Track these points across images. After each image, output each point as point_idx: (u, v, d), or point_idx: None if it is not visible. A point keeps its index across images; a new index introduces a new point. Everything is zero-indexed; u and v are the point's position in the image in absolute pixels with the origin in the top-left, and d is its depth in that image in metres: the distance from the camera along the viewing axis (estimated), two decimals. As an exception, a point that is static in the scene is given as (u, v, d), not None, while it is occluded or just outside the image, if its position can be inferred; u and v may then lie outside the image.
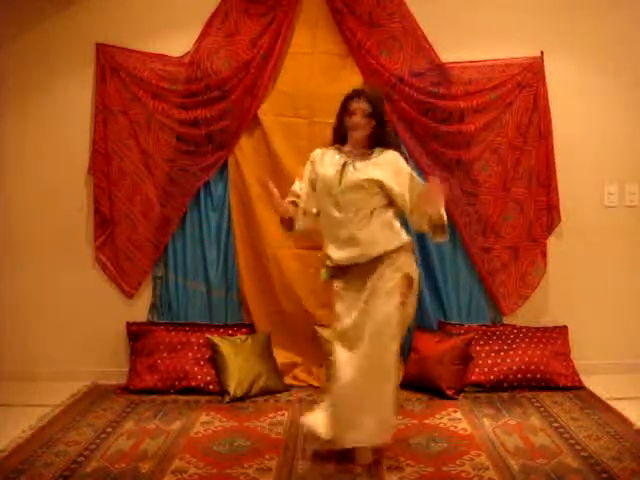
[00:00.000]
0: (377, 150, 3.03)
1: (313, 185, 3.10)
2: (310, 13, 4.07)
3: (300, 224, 3.09)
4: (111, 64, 4.09)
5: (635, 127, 4.19)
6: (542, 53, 4.08)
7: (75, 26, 4.13)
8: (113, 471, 2.90)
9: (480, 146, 4.10)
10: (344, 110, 3.04)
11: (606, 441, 3.13)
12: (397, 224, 3.02)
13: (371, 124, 3.01)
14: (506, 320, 4.19)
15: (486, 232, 4.15)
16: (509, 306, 4.19)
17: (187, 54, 4.08)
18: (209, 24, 4.07)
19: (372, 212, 2.95)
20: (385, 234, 2.96)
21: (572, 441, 3.14)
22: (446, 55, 4.05)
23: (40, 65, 4.16)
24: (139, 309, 4.22)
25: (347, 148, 3.06)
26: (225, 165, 4.14)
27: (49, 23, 4.13)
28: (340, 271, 3.01)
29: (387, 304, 2.89)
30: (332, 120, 4.04)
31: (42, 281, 4.25)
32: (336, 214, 2.97)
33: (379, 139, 3.04)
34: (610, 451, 3.01)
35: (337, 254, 2.98)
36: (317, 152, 3.15)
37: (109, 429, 3.39)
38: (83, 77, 4.13)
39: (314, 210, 3.09)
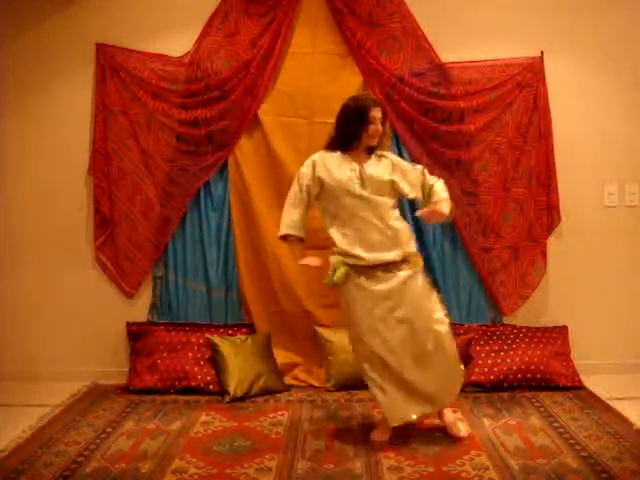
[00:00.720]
0: (378, 152, 3.23)
1: (309, 190, 3.19)
2: (310, 13, 4.07)
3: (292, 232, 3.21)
4: (111, 64, 4.09)
5: (635, 127, 4.19)
6: (542, 53, 4.08)
7: (75, 26, 4.13)
8: (113, 471, 2.91)
9: (480, 146, 4.10)
10: (364, 119, 3.11)
11: (606, 441, 3.13)
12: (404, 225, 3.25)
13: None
14: (506, 320, 4.19)
15: (486, 232, 4.15)
16: (509, 306, 4.19)
17: (187, 54, 4.08)
18: (209, 24, 4.07)
19: (394, 211, 3.17)
20: (408, 232, 3.21)
21: (572, 441, 3.14)
22: (446, 55, 4.06)
23: (40, 65, 4.16)
24: (139, 309, 4.23)
25: (352, 153, 3.18)
26: (225, 165, 4.14)
27: (49, 23, 4.13)
28: (361, 272, 3.11)
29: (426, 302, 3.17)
30: (332, 120, 4.05)
31: (42, 281, 4.25)
32: (365, 215, 3.11)
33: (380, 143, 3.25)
34: (610, 451, 3.01)
35: (370, 255, 3.09)
36: (316, 157, 3.22)
37: (109, 429, 3.39)
38: (83, 77, 4.13)
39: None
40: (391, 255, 3.10)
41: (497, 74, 4.07)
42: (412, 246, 3.20)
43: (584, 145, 4.18)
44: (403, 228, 3.19)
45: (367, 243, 3.10)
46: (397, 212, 3.21)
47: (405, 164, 3.29)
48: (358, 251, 3.09)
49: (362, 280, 3.11)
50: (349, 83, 4.08)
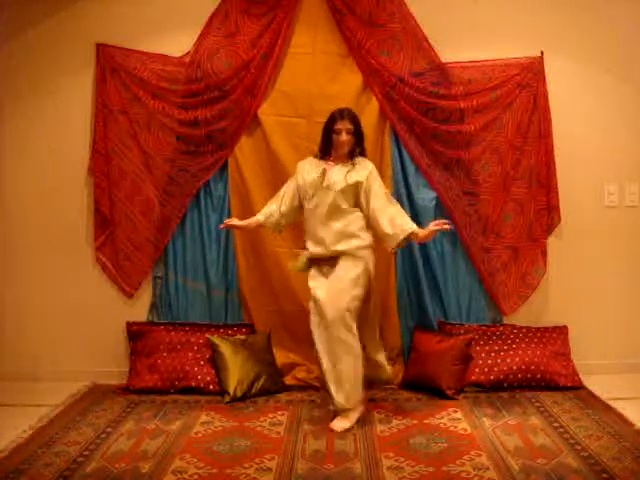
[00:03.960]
0: (356, 159, 3.56)
1: (294, 191, 3.62)
2: (310, 13, 4.07)
3: (268, 222, 3.66)
4: (111, 64, 4.09)
5: (635, 127, 4.19)
6: (542, 53, 4.08)
7: (75, 26, 4.13)
8: (113, 471, 2.91)
9: (480, 146, 4.10)
10: (330, 130, 3.54)
11: (606, 441, 3.13)
12: (364, 224, 3.52)
13: (352, 141, 3.54)
14: (506, 320, 4.19)
15: (486, 232, 4.15)
16: (509, 306, 4.19)
17: (187, 54, 4.08)
18: (209, 24, 4.07)
19: (347, 211, 3.48)
20: (353, 233, 3.47)
21: (572, 441, 3.14)
22: (446, 55, 4.05)
23: (40, 65, 4.16)
24: (139, 309, 4.23)
25: (329, 159, 3.59)
26: (225, 165, 4.14)
27: (49, 23, 4.13)
28: (314, 262, 3.54)
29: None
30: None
31: (42, 281, 4.25)
32: (316, 212, 3.50)
33: (358, 152, 3.58)
34: (610, 451, 3.01)
35: (315, 249, 3.51)
36: (300, 163, 3.68)
37: (109, 429, 3.39)
38: (83, 77, 4.13)
39: (285, 207, 3.63)
40: (340, 248, 3.46)
41: (497, 74, 4.06)
42: (359, 241, 3.47)
43: (584, 145, 4.18)
44: (347, 230, 3.47)
45: (316, 238, 3.50)
46: (355, 216, 3.49)
47: (374, 184, 3.49)
48: (309, 245, 3.54)
49: (313, 269, 3.55)
50: (349, 83, 4.08)
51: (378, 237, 3.52)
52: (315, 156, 3.65)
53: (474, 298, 4.20)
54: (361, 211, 3.51)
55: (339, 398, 3.36)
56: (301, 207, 3.62)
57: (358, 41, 4.03)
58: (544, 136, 4.09)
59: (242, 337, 4.03)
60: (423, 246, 4.07)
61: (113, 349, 4.21)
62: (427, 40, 4.04)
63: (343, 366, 3.34)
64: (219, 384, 3.88)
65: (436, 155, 4.10)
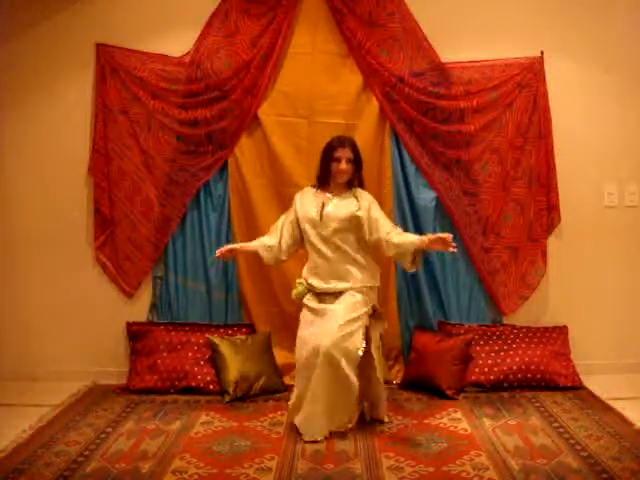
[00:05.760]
0: (354, 190, 3.46)
1: (293, 224, 3.49)
2: (310, 13, 4.06)
3: (266, 256, 3.52)
4: (111, 64, 4.09)
5: (635, 127, 4.19)
6: (542, 53, 4.08)
7: (75, 26, 4.13)
8: (113, 471, 2.91)
9: (480, 146, 4.10)
10: (330, 157, 3.42)
11: (606, 441, 3.13)
12: (368, 261, 3.42)
13: (352, 169, 3.43)
14: (506, 320, 4.19)
15: (486, 232, 4.15)
16: (509, 306, 4.19)
17: (187, 54, 4.08)
18: (209, 24, 4.07)
19: (349, 248, 3.37)
20: (358, 270, 3.36)
21: (572, 441, 3.14)
22: (446, 55, 4.05)
23: (40, 65, 4.16)
24: (139, 309, 4.23)
25: (328, 188, 3.47)
26: (225, 165, 4.14)
27: (49, 23, 4.13)
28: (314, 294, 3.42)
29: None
30: (332, 120, 4.09)
31: (42, 281, 4.25)
32: (321, 248, 3.38)
33: (357, 181, 3.48)
34: (610, 451, 3.01)
35: (319, 285, 3.39)
36: (298, 195, 3.55)
37: (109, 429, 3.39)
38: (83, 77, 4.13)
39: (285, 244, 3.49)
40: (340, 286, 3.35)
41: (497, 74, 4.06)
42: (368, 281, 3.37)
43: (584, 145, 4.18)
44: (361, 265, 3.37)
45: (320, 274, 3.38)
46: (359, 247, 3.39)
47: (376, 212, 3.40)
48: (312, 280, 3.41)
49: (312, 300, 3.40)
50: (349, 83, 4.08)
51: (392, 259, 3.51)
52: (313, 186, 3.54)
53: (474, 298, 4.20)
54: (365, 242, 3.40)
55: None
56: (302, 239, 3.51)
57: (358, 41, 4.03)
58: (544, 136, 4.09)
59: (242, 337, 4.03)
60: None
61: (113, 349, 4.21)
62: (427, 40, 4.04)
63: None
64: (219, 384, 3.88)
65: (436, 155, 4.10)
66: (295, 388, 3.36)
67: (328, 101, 4.05)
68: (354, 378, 3.19)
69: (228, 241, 4.15)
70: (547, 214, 4.15)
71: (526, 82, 4.07)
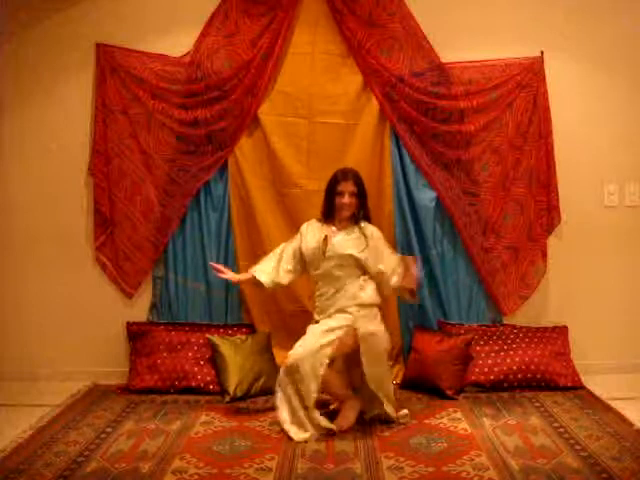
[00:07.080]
0: (361, 225, 3.44)
1: (295, 251, 3.51)
2: (310, 13, 4.06)
3: (267, 279, 3.50)
4: (111, 64, 4.09)
5: (635, 127, 4.19)
6: (542, 53, 4.08)
7: (75, 26, 4.13)
8: (113, 471, 2.90)
9: (480, 146, 4.10)
10: (333, 191, 3.43)
11: (606, 441, 3.13)
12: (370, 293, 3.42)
13: (356, 203, 3.43)
14: (506, 320, 4.19)
15: (486, 232, 4.15)
16: (509, 306, 4.19)
17: (187, 54, 4.08)
18: (209, 24, 4.07)
19: (350, 283, 3.38)
20: (358, 305, 3.36)
21: (572, 441, 3.14)
22: (446, 55, 4.05)
23: (40, 65, 4.15)
24: (139, 309, 4.23)
25: (332, 222, 3.48)
26: (225, 165, 4.14)
27: (49, 23, 4.13)
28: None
29: None
30: (332, 120, 4.10)
31: (42, 281, 4.25)
32: (324, 283, 3.44)
33: (362, 215, 3.46)
34: (610, 451, 3.01)
35: (319, 317, 3.45)
36: (305, 225, 3.56)
37: (109, 429, 3.39)
38: (83, 77, 4.13)
39: (284, 268, 3.50)
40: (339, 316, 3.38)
41: (497, 74, 4.06)
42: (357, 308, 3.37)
43: (584, 145, 4.18)
44: (362, 300, 3.38)
45: (325, 309, 3.42)
46: (361, 281, 3.40)
47: (382, 246, 3.44)
48: (316, 316, 3.47)
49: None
50: (349, 83, 4.08)
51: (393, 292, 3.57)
52: (319, 220, 3.55)
53: (474, 298, 4.20)
54: (366, 273, 3.43)
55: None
56: (302, 265, 3.54)
57: (358, 41, 4.03)
58: (544, 136, 4.09)
59: (242, 337, 4.03)
60: (423, 246, 4.08)
61: (113, 349, 4.21)
62: (427, 40, 4.04)
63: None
64: (219, 384, 3.88)
65: (436, 155, 4.10)
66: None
67: (328, 101, 4.05)
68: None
69: (228, 241, 4.17)
70: (547, 214, 4.15)
71: (526, 82, 4.07)
